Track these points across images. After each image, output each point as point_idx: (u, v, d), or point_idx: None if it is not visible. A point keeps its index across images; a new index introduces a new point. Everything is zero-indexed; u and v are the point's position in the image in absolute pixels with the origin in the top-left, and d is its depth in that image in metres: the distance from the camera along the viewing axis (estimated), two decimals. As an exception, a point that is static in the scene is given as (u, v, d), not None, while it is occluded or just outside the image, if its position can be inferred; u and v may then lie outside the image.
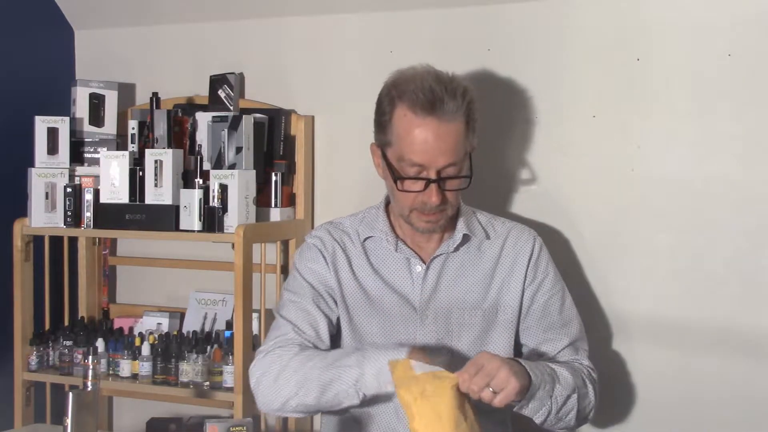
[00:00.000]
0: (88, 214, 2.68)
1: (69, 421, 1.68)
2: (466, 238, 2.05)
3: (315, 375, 1.88)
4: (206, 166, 2.60)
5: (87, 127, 2.82)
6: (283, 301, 2.06)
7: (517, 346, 2.08)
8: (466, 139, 1.93)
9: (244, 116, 2.56)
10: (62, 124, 2.73)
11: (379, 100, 1.98)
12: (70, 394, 1.69)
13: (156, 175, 2.58)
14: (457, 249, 2.04)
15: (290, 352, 1.93)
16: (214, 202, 2.51)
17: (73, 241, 2.93)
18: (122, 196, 2.63)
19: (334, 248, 2.06)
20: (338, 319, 2.03)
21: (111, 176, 2.64)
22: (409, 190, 1.92)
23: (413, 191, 1.92)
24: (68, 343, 2.76)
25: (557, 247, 2.34)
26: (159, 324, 2.84)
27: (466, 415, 1.69)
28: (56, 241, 2.87)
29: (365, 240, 2.06)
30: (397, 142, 1.92)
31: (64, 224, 2.72)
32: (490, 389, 1.71)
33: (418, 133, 1.88)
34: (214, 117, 2.61)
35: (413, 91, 1.89)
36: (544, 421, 1.89)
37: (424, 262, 2.03)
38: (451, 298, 2.02)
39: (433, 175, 1.90)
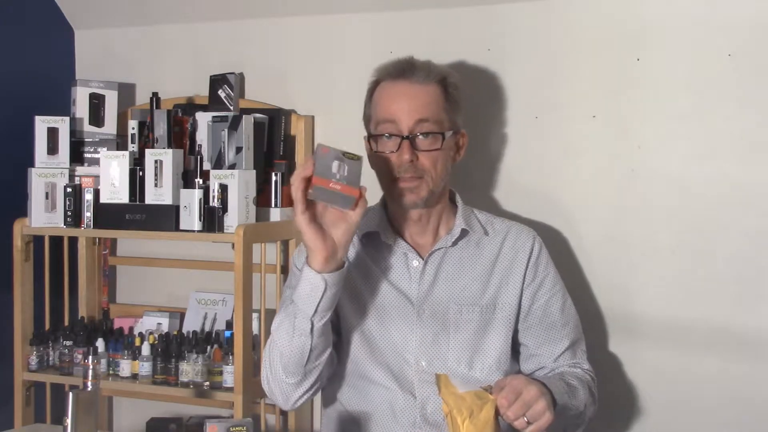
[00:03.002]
0: (88, 214, 2.68)
1: (69, 421, 1.68)
2: (464, 233, 2.06)
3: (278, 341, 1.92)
4: (206, 166, 2.60)
5: (87, 127, 2.82)
6: (282, 300, 2.07)
7: (515, 344, 2.08)
8: (440, 107, 2.00)
9: (244, 116, 2.56)
10: (62, 124, 2.73)
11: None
12: (70, 394, 1.69)
13: (156, 175, 2.58)
14: (455, 244, 2.05)
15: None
16: (214, 202, 2.51)
17: (73, 241, 2.93)
18: (122, 196, 2.63)
19: None
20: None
21: (111, 176, 2.63)
22: (383, 151, 1.98)
23: (387, 151, 1.97)
24: (68, 343, 2.76)
25: (557, 247, 2.34)
26: (159, 324, 2.84)
27: None
28: (56, 241, 2.87)
29: (363, 235, 2.07)
30: (374, 110, 2.04)
31: (64, 224, 2.72)
32: (525, 418, 1.73)
33: (388, 94, 2.02)
34: (214, 117, 2.61)
35: (389, 65, 2.06)
36: None
37: (421, 257, 2.04)
38: (449, 293, 2.03)
39: (405, 133, 1.96)
